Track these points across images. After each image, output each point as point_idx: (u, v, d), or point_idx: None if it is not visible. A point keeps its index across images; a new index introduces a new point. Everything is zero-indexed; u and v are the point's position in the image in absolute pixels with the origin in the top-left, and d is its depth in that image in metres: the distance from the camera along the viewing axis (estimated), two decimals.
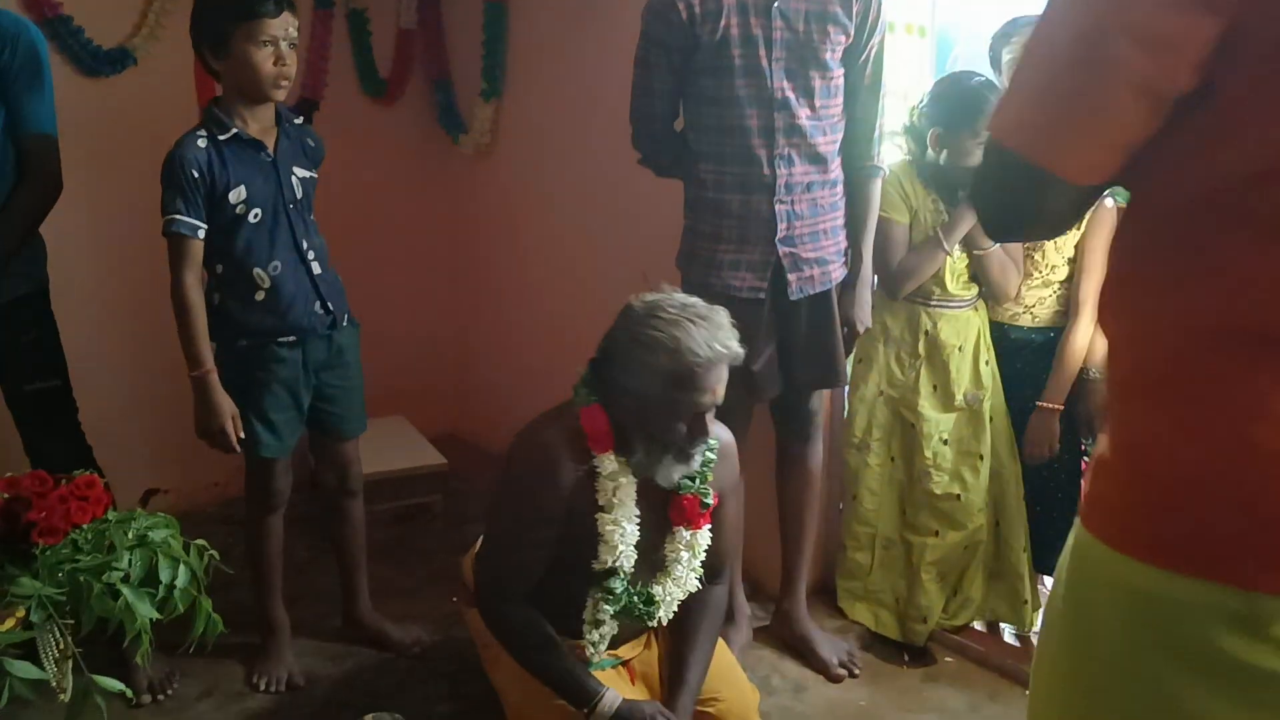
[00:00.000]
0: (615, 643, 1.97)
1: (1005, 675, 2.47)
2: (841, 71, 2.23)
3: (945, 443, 2.50)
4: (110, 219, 3.01)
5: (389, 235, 3.68)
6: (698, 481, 1.90)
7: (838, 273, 2.35)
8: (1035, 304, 2.49)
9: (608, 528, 1.83)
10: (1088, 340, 2.39)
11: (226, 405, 2.20)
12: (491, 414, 3.81)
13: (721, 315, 1.78)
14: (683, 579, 1.93)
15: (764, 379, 2.31)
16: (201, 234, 2.16)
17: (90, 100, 2.93)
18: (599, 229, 3.20)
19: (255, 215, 2.21)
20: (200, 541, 1.81)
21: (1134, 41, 0.84)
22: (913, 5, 2.72)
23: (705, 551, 1.95)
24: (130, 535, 1.72)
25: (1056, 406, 2.44)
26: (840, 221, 2.34)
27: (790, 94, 2.17)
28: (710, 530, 1.95)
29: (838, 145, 2.28)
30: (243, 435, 2.24)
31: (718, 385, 1.77)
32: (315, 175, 2.35)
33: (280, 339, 2.27)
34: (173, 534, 1.78)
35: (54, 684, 1.60)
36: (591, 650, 1.91)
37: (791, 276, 2.26)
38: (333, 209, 2.55)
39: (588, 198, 3.23)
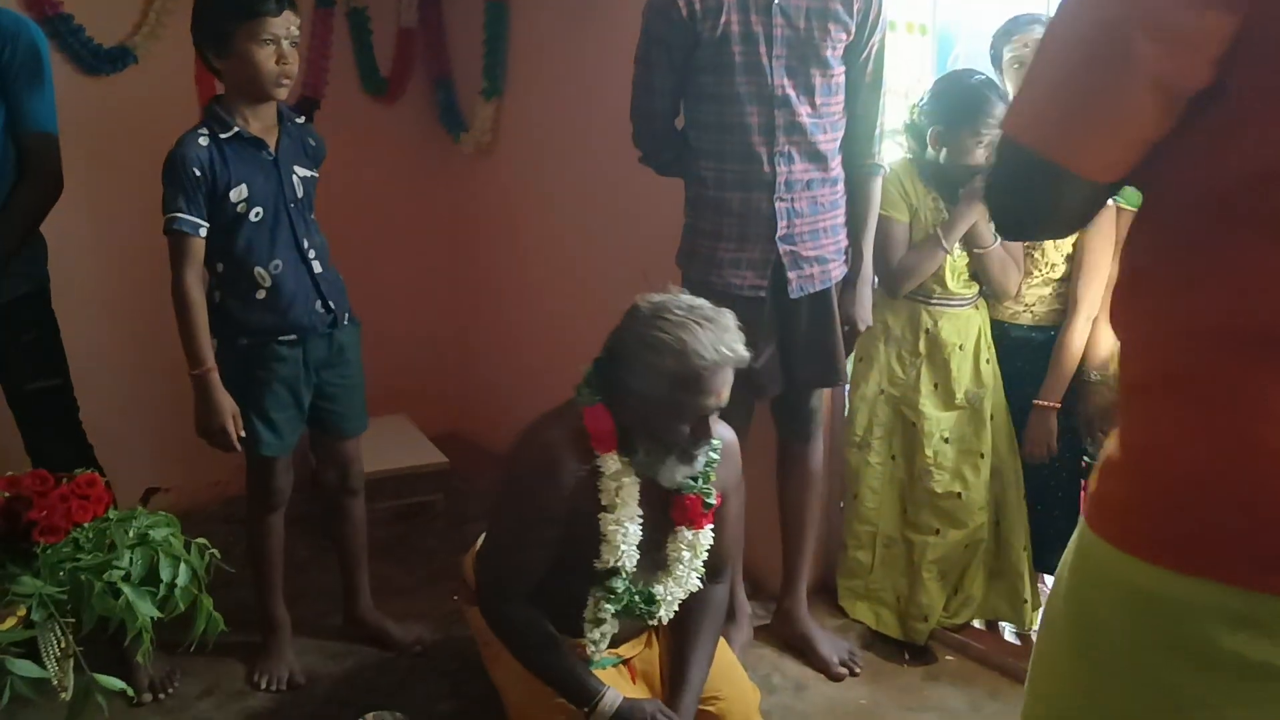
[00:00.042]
0: (616, 641, 1.97)
1: (1006, 674, 2.46)
2: (842, 69, 2.23)
3: (946, 441, 2.50)
4: (111, 218, 3.01)
5: (390, 234, 3.68)
6: (700, 481, 1.90)
7: (838, 271, 2.35)
8: (1036, 302, 2.49)
9: (610, 527, 1.83)
10: (1085, 338, 2.39)
11: (227, 404, 2.20)
12: (492, 412, 3.81)
13: (728, 318, 1.78)
14: (684, 578, 1.93)
15: (765, 377, 2.31)
16: (203, 232, 2.16)
17: (91, 99, 2.93)
18: (600, 227, 3.20)
19: (256, 214, 2.21)
20: (201, 540, 1.82)
21: (1151, 37, 0.84)
22: (914, 3, 2.73)
23: (707, 551, 1.95)
24: (131, 534, 1.72)
25: (1054, 405, 2.43)
26: (841, 220, 2.34)
27: (791, 91, 2.17)
28: (712, 529, 1.95)
29: (838, 143, 2.28)
30: (243, 434, 2.24)
31: (723, 388, 1.77)
32: (316, 174, 2.35)
33: (281, 337, 2.27)
34: (174, 533, 1.78)
35: (55, 683, 1.61)
36: (593, 649, 1.91)
37: (792, 274, 2.26)
38: (333, 208, 2.56)
39: (589, 196, 3.23)
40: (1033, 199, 0.96)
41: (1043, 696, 1.07)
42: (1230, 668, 0.88)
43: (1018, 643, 2.64)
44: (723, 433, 1.93)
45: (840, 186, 2.32)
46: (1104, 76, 0.87)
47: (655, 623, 1.97)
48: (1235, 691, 0.89)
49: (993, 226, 2.43)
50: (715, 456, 1.91)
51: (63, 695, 1.62)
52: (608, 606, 1.88)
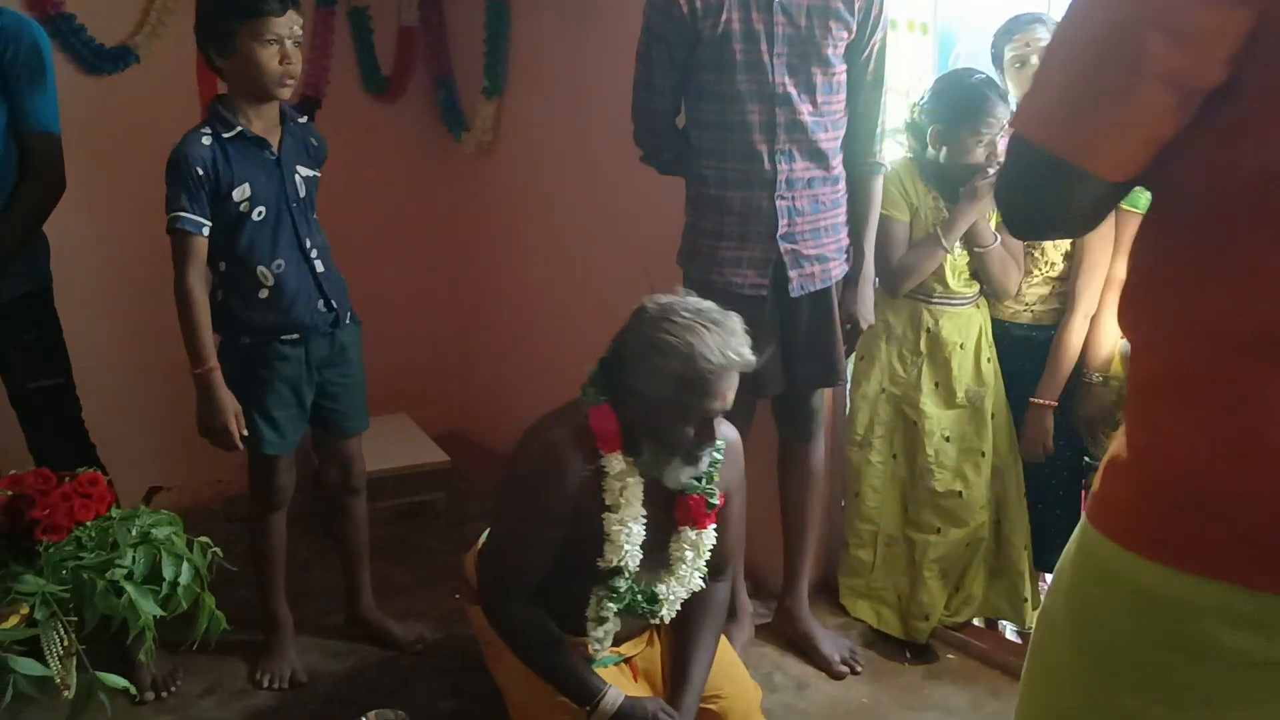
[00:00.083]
0: (618, 640, 1.97)
1: (1007, 672, 2.46)
2: (844, 67, 2.23)
3: (947, 440, 2.50)
4: (113, 217, 3.01)
5: (391, 233, 3.68)
6: (704, 482, 1.90)
7: (838, 270, 2.35)
8: (1036, 301, 2.49)
9: (614, 528, 1.83)
10: (1083, 336, 2.39)
11: (229, 403, 2.20)
12: (494, 411, 3.82)
13: (735, 321, 1.77)
14: (687, 578, 1.93)
15: (766, 376, 2.30)
16: (206, 231, 2.16)
17: (93, 98, 2.93)
18: (601, 226, 3.20)
19: (259, 213, 2.21)
20: (203, 539, 1.81)
21: (1164, 35, 0.83)
22: (915, 1, 2.72)
23: (710, 551, 1.95)
24: (134, 532, 1.72)
25: (1050, 403, 2.43)
26: (842, 219, 2.34)
27: (792, 89, 2.17)
28: (715, 529, 1.95)
29: (839, 141, 2.28)
30: (246, 433, 2.24)
31: (728, 392, 1.77)
32: (318, 174, 2.35)
33: (283, 336, 2.28)
34: (176, 531, 1.78)
35: (58, 681, 1.61)
36: (597, 647, 1.91)
37: (792, 273, 2.26)
38: (335, 207, 2.56)
39: (589, 195, 3.23)
40: (1044, 198, 0.96)
41: (1041, 692, 1.07)
42: (1232, 667, 0.89)
43: (1018, 641, 2.64)
44: (726, 432, 1.93)
45: (841, 185, 2.32)
46: (1116, 74, 0.87)
47: (657, 622, 1.97)
48: (1237, 690, 0.90)
49: (993, 225, 2.44)
50: (719, 457, 1.91)
51: (65, 693, 1.61)
52: (610, 605, 1.88)
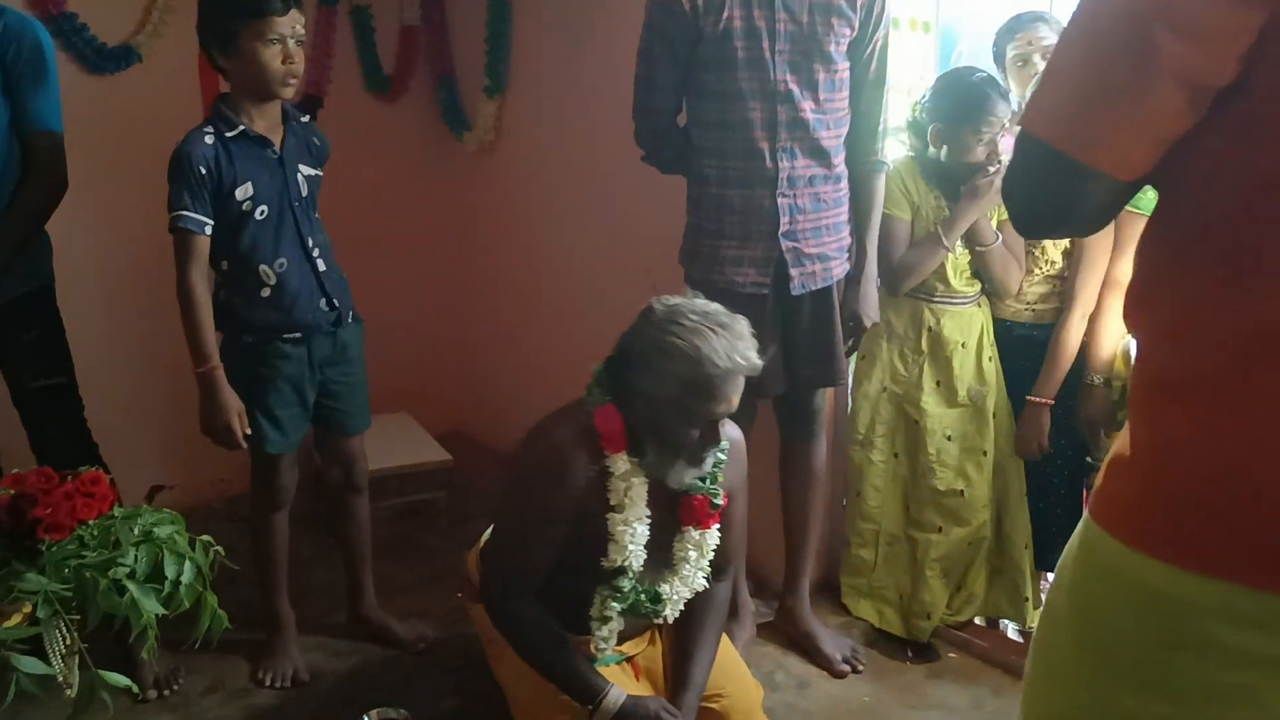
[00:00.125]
0: (620, 639, 1.97)
1: (1009, 671, 2.46)
2: (846, 64, 2.23)
3: (949, 439, 2.50)
4: (115, 216, 3.02)
5: (393, 232, 3.68)
6: (708, 482, 1.90)
7: (839, 269, 2.35)
8: (1037, 300, 2.49)
9: (619, 528, 1.83)
10: (1080, 334, 2.38)
11: (232, 401, 2.20)
12: (496, 410, 3.82)
13: (742, 325, 1.77)
14: (690, 578, 1.93)
15: (767, 377, 2.28)
16: (208, 230, 2.16)
17: (95, 98, 2.94)
18: (602, 225, 3.20)
19: (262, 212, 2.21)
20: (206, 537, 1.82)
21: (1176, 32, 0.83)
22: (917, 0, 2.72)
23: (713, 550, 1.95)
24: (136, 531, 1.72)
25: (1047, 401, 2.42)
26: (844, 217, 2.34)
27: (794, 87, 2.17)
28: (719, 529, 1.95)
29: (842, 139, 2.28)
30: (249, 431, 2.24)
31: (734, 395, 1.77)
32: (320, 173, 2.35)
33: (285, 335, 2.28)
34: (178, 530, 1.78)
35: (60, 679, 1.61)
36: (603, 646, 1.91)
37: (794, 272, 2.26)
38: (337, 205, 2.56)
39: (591, 194, 3.23)
40: (1053, 196, 0.96)
41: (1043, 690, 1.07)
42: (1234, 666, 0.89)
43: (1020, 640, 2.64)
44: (730, 432, 1.93)
45: (844, 183, 2.31)
46: (1127, 72, 0.86)
47: (661, 621, 1.97)
48: (1238, 689, 0.90)
49: (994, 224, 2.43)
50: (723, 457, 1.91)
51: (68, 692, 1.62)
52: (614, 605, 1.88)
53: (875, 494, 2.60)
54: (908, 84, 2.70)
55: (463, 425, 3.96)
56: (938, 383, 2.51)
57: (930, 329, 2.49)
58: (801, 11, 2.15)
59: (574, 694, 1.85)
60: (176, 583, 1.71)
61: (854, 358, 2.58)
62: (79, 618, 1.64)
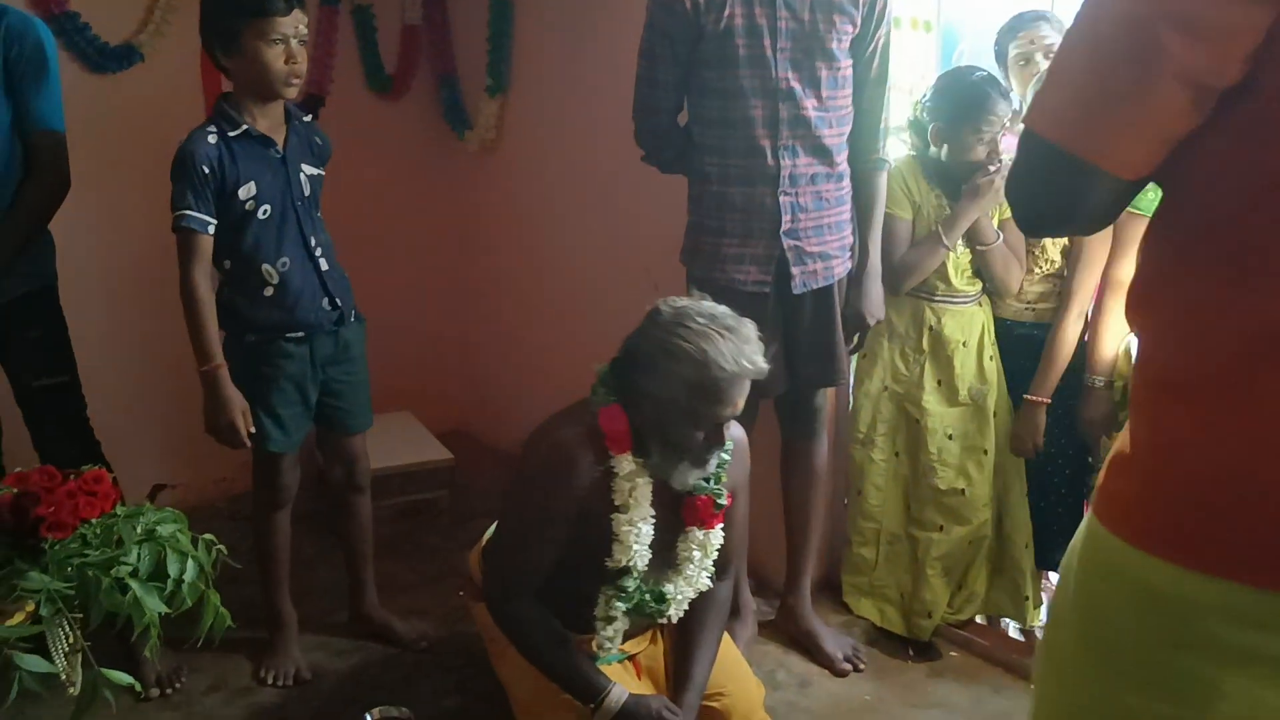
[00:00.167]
0: (623, 638, 1.98)
1: (1009, 670, 2.47)
2: (849, 62, 2.22)
3: (950, 438, 2.50)
4: (118, 215, 3.02)
5: (395, 231, 3.68)
6: (712, 483, 1.90)
7: (841, 268, 2.35)
8: (1038, 299, 2.49)
9: (624, 528, 1.83)
10: (1077, 333, 2.38)
11: (236, 400, 2.20)
12: (497, 409, 3.82)
13: (749, 328, 1.77)
14: (694, 577, 1.93)
15: (769, 375, 2.30)
16: (211, 229, 2.16)
17: (97, 97, 2.94)
18: (604, 224, 3.20)
19: (264, 211, 2.21)
20: (208, 536, 1.82)
21: (1181, 32, 0.83)
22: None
23: (717, 550, 1.95)
24: (139, 530, 1.73)
25: (1043, 400, 2.42)
26: (846, 216, 2.34)
27: (796, 85, 2.17)
28: (722, 529, 1.95)
29: (844, 138, 2.27)
30: (252, 429, 2.24)
31: (739, 398, 1.77)
32: (323, 173, 2.35)
33: (288, 334, 2.28)
34: (181, 529, 1.78)
35: (63, 677, 1.61)
36: (608, 645, 1.92)
37: (795, 270, 2.26)
38: (339, 205, 2.56)
39: (593, 193, 3.23)
40: (1056, 195, 0.95)
41: (1050, 687, 1.07)
42: (1236, 665, 0.89)
43: (1021, 639, 2.64)
44: (734, 433, 1.93)
45: (846, 182, 2.31)
46: (1132, 72, 0.86)
47: (664, 621, 1.97)
48: (1241, 688, 0.90)
49: (995, 223, 2.43)
50: (727, 458, 1.91)
51: (70, 690, 1.62)
52: (619, 605, 1.88)
53: (876, 493, 2.60)
54: (909, 83, 2.70)
55: (464, 424, 3.96)
56: (939, 382, 2.51)
57: (931, 328, 2.49)
58: (803, 9, 2.14)
59: (576, 693, 1.85)
60: (179, 581, 1.71)
61: (855, 356, 2.58)
62: (82, 616, 1.64)
